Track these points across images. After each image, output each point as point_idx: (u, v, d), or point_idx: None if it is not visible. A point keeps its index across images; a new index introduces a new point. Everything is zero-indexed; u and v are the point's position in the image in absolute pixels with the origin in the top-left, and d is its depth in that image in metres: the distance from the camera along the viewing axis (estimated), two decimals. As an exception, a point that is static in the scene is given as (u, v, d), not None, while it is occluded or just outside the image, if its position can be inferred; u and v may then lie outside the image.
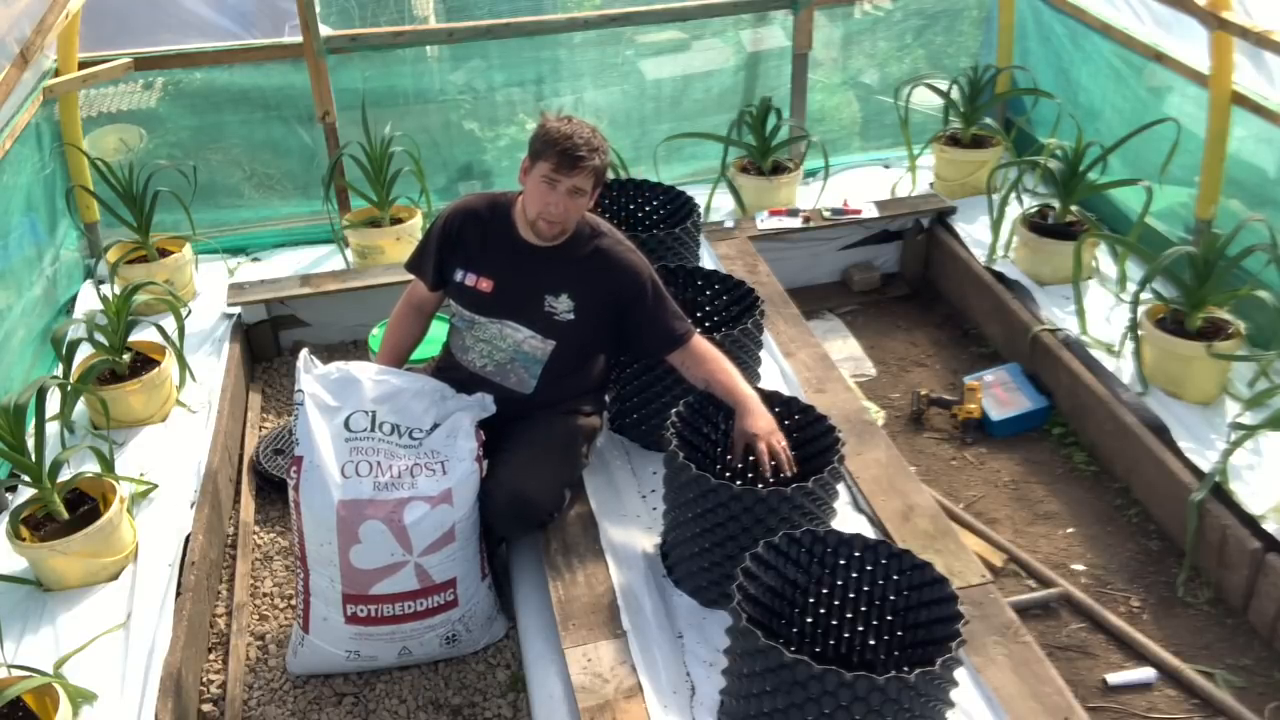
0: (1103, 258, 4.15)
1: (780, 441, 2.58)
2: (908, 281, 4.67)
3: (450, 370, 2.89)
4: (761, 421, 2.61)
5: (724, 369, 2.73)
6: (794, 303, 3.85)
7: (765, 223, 4.38)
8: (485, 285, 2.81)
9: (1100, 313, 3.84)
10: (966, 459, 3.65)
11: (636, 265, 2.79)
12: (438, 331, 3.18)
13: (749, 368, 3.11)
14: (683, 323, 2.80)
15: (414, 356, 3.19)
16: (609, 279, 2.77)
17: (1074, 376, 3.63)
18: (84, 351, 3.31)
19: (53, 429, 3.12)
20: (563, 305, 2.77)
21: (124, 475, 3.01)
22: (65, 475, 2.84)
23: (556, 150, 2.57)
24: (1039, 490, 3.49)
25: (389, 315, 3.67)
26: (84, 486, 2.87)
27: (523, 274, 2.78)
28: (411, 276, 2.98)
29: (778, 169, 4.57)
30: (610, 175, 4.27)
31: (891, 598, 2.26)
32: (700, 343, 2.78)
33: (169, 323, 3.46)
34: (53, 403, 3.18)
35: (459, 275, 2.83)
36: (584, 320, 2.78)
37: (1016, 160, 4.34)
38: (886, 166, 5.02)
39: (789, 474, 2.53)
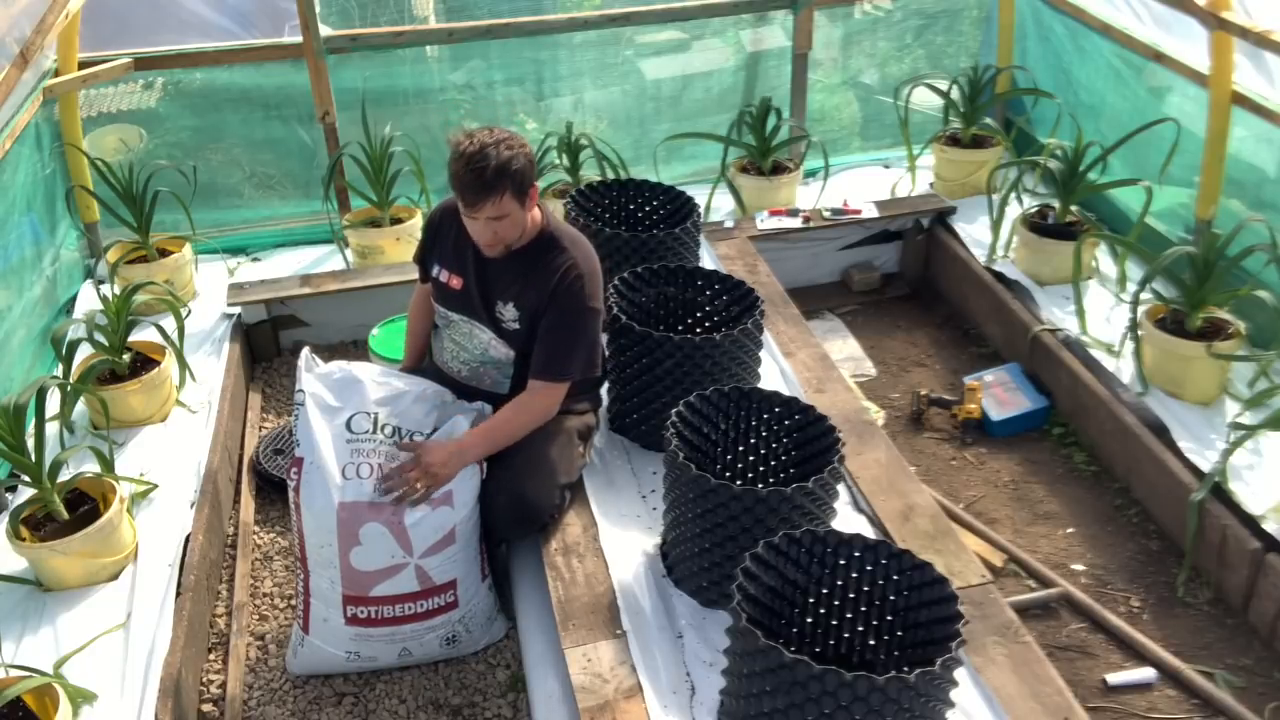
0: (1103, 258, 4.15)
1: (422, 481, 2.54)
2: (908, 281, 4.67)
3: (434, 376, 2.91)
4: (435, 452, 2.57)
5: (500, 417, 2.71)
6: (794, 303, 3.85)
7: (765, 223, 4.38)
8: (456, 282, 2.85)
9: (1100, 313, 3.84)
10: (966, 459, 3.65)
11: (570, 288, 2.71)
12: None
13: (749, 368, 3.11)
14: (567, 368, 2.72)
15: (387, 355, 3.37)
16: (541, 292, 2.72)
17: (1074, 376, 3.63)
18: (84, 351, 3.31)
19: (53, 429, 3.12)
20: (509, 314, 2.78)
21: (124, 475, 3.01)
22: (65, 475, 2.84)
23: (460, 189, 2.56)
24: (1039, 490, 3.49)
25: (389, 315, 3.72)
26: (84, 486, 2.87)
27: (483, 277, 2.80)
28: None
29: (778, 169, 4.57)
30: (610, 175, 4.28)
31: (891, 598, 2.26)
32: (534, 394, 2.72)
33: (169, 323, 3.46)
34: (53, 403, 3.18)
35: (436, 270, 2.90)
36: (531, 330, 2.77)
37: (1016, 160, 4.35)
38: (886, 166, 5.02)
39: (389, 498, 2.52)
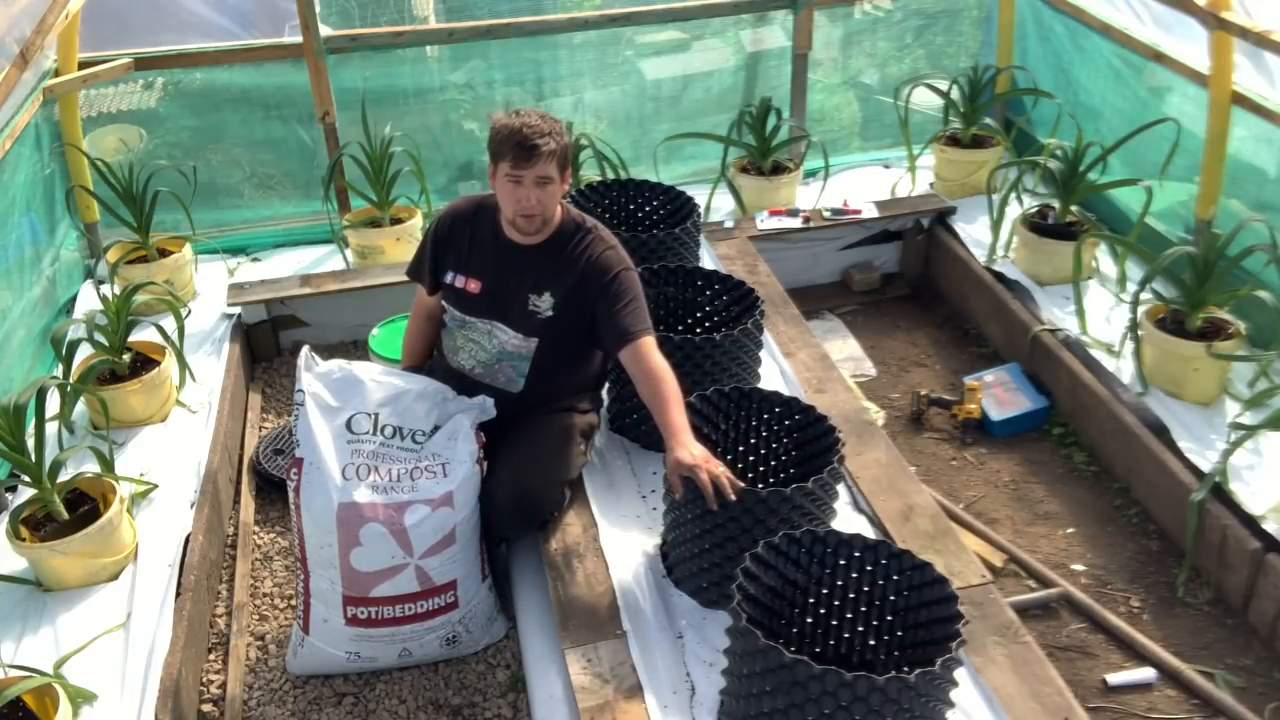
0: (1103, 258, 4.15)
1: (717, 468, 2.41)
2: (908, 281, 4.67)
3: (441, 373, 2.91)
4: (693, 451, 2.44)
5: (663, 395, 2.56)
6: (794, 303, 3.85)
7: (765, 223, 4.38)
8: (474, 286, 2.84)
9: (1100, 313, 3.84)
10: (966, 459, 3.65)
11: (608, 261, 2.76)
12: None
13: (749, 368, 3.11)
14: (638, 322, 2.70)
15: (387, 355, 3.38)
16: (582, 274, 2.76)
17: (1074, 376, 3.63)
18: (84, 351, 3.31)
19: (53, 429, 3.12)
20: (545, 303, 2.78)
21: (124, 475, 3.01)
22: (65, 475, 2.84)
23: (511, 146, 2.57)
24: (1039, 490, 3.49)
25: (389, 315, 3.71)
26: (84, 486, 2.87)
27: (508, 273, 2.80)
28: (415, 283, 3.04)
29: (778, 169, 4.57)
30: (610, 175, 4.28)
31: (891, 598, 2.26)
32: (649, 355, 2.64)
33: (169, 323, 3.46)
34: (53, 403, 3.18)
35: (449, 277, 2.87)
36: (563, 316, 2.79)
37: (1016, 160, 4.35)
38: (886, 166, 5.02)
39: (732, 499, 2.37)
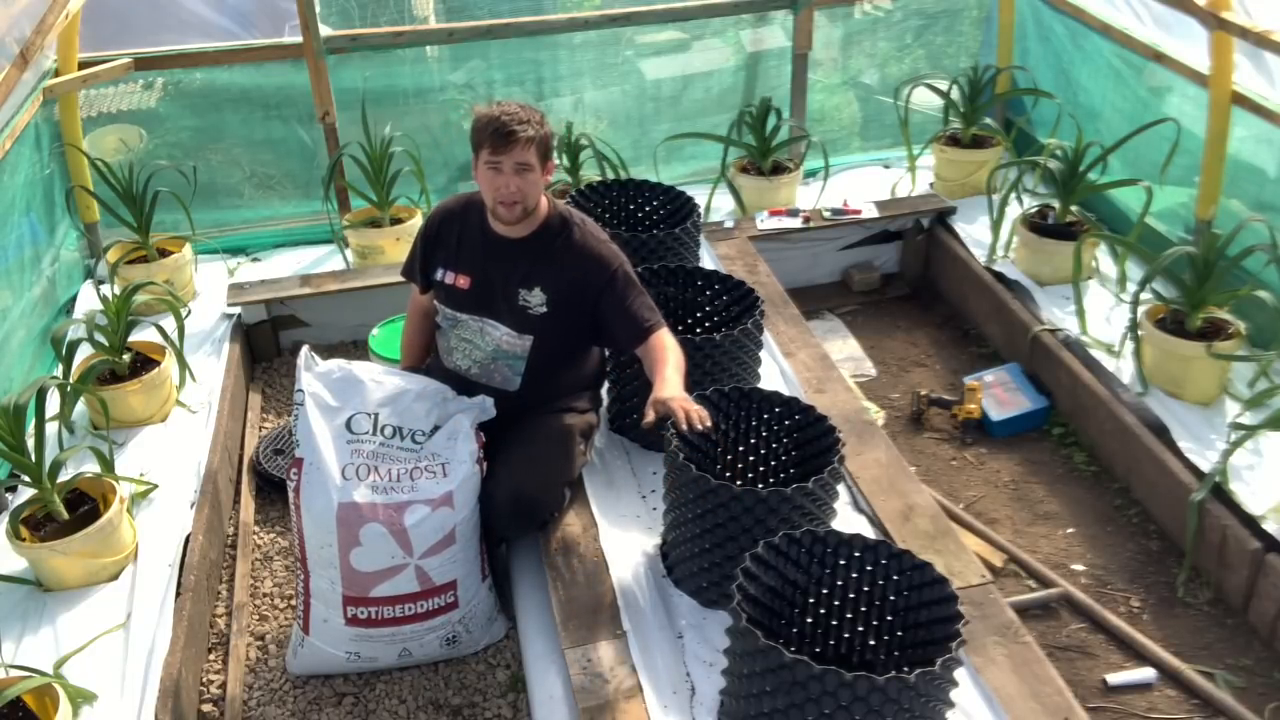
0: (1103, 258, 4.15)
1: (691, 405, 2.46)
2: (908, 281, 4.67)
3: (439, 374, 2.91)
4: (670, 390, 2.51)
5: (664, 360, 2.63)
6: (794, 303, 3.85)
7: (765, 223, 4.38)
8: (463, 282, 2.84)
9: (1100, 313, 3.84)
10: (966, 459, 3.65)
11: (605, 255, 2.77)
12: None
13: (749, 368, 3.11)
14: (651, 314, 2.76)
15: (387, 355, 3.39)
16: (577, 270, 2.76)
17: (1074, 376, 3.63)
18: (84, 351, 3.31)
19: (53, 429, 3.12)
20: (535, 299, 2.78)
21: (124, 475, 3.01)
22: (65, 475, 2.84)
23: (489, 134, 2.58)
24: (1039, 490, 3.49)
25: (389, 315, 3.71)
26: (84, 487, 2.87)
27: (496, 268, 2.80)
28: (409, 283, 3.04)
29: (778, 169, 4.57)
30: (610, 175, 4.28)
31: (891, 598, 2.26)
32: (661, 338, 2.71)
33: (169, 323, 3.46)
34: (53, 403, 3.18)
35: (439, 274, 2.87)
36: (557, 313, 2.79)
37: (1016, 160, 4.35)
38: (886, 166, 5.02)
39: (702, 427, 2.42)
